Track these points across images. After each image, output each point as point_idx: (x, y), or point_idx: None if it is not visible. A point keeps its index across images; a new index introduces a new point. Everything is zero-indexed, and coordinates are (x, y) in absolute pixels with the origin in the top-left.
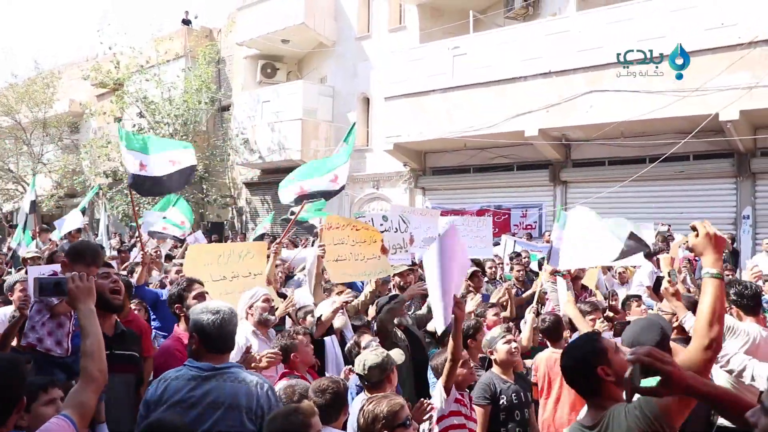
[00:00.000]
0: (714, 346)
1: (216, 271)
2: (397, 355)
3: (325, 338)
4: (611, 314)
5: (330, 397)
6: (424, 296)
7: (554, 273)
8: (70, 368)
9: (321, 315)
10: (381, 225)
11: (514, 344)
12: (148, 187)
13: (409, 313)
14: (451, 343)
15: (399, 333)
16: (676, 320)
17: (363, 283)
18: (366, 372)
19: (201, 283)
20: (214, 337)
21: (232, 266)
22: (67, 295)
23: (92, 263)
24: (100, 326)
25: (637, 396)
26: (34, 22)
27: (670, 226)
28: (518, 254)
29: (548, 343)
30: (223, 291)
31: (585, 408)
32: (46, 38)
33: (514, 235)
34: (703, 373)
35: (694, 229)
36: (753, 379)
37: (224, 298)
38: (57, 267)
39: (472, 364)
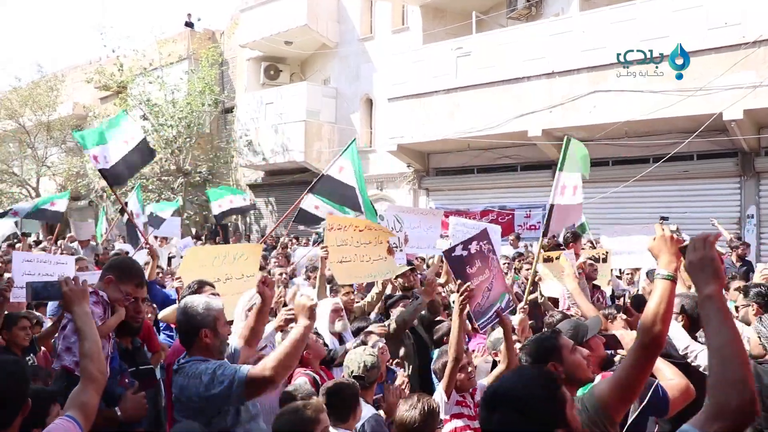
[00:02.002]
0: (653, 345)
1: (210, 273)
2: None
3: (329, 341)
4: (624, 316)
5: (342, 398)
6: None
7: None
8: (110, 394)
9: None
10: None
11: (518, 345)
12: (119, 174)
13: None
14: (452, 344)
15: (407, 332)
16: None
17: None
18: (367, 372)
19: (212, 285)
20: (181, 332)
21: (225, 269)
22: (62, 299)
23: (140, 283)
24: (121, 342)
25: (581, 393)
26: (37, 26)
27: (678, 227)
28: (521, 254)
29: None
30: (217, 292)
31: None
32: (50, 42)
33: (519, 236)
34: (644, 371)
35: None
36: None
37: None
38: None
39: (470, 369)
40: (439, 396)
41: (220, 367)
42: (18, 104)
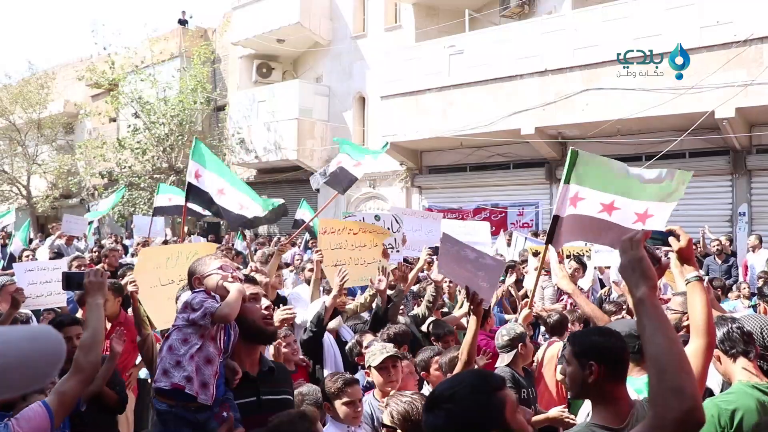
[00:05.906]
0: (713, 342)
1: (164, 275)
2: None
3: (323, 338)
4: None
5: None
6: (417, 296)
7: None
8: (204, 427)
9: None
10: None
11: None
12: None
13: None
14: (465, 348)
15: None
16: (686, 319)
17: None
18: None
19: None
20: None
21: (179, 269)
22: (83, 289)
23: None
24: (244, 361)
25: None
26: (28, 24)
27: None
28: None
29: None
30: (171, 295)
31: None
32: (41, 39)
33: (512, 233)
34: (705, 369)
35: (672, 234)
36: None
37: (170, 303)
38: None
39: (485, 361)
40: None
41: None
42: (8, 102)
